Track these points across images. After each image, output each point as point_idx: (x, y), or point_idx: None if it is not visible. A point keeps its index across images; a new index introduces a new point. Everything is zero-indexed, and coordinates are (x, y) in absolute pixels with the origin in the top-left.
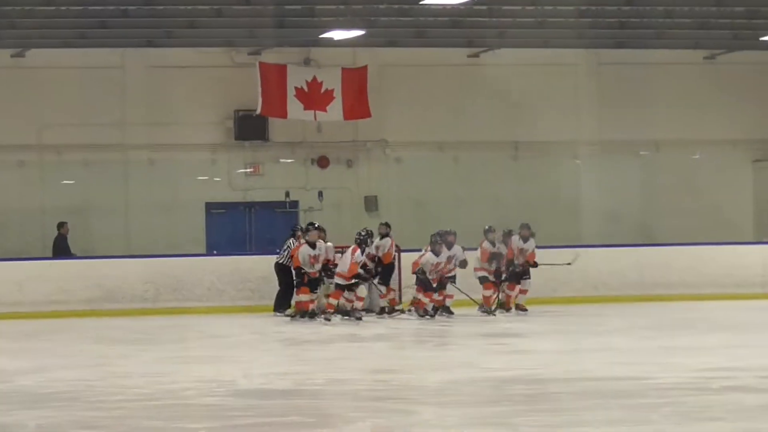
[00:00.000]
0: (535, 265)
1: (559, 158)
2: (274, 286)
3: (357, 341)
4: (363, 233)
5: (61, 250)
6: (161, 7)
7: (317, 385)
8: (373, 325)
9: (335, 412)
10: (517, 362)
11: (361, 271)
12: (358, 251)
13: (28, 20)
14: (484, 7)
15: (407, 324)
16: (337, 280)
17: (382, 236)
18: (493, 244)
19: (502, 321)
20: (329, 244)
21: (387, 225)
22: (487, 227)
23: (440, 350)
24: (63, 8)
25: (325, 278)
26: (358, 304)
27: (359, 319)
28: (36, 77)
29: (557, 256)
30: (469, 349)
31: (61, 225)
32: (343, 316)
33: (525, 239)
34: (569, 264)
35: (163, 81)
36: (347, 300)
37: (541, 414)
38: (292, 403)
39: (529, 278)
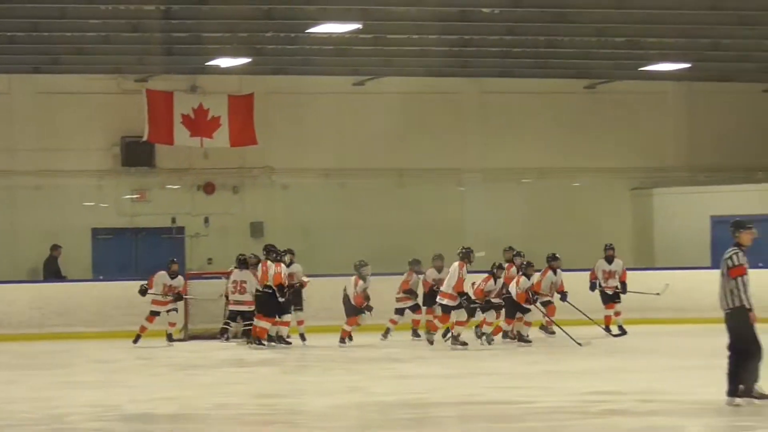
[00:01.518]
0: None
1: (443, 185)
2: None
3: (243, 366)
4: (466, 248)
5: (51, 272)
6: (47, 34)
7: (203, 410)
8: (257, 351)
9: None
10: (403, 387)
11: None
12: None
13: None
14: (369, 36)
15: (293, 349)
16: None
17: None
18: (363, 279)
19: (387, 346)
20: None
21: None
22: (358, 262)
23: (327, 375)
24: None
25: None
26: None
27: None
28: None
29: None
30: (356, 374)
31: (54, 248)
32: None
33: (554, 271)
34: (658, 294)
35: (51, 107)
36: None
37: None
38: (179, 427)
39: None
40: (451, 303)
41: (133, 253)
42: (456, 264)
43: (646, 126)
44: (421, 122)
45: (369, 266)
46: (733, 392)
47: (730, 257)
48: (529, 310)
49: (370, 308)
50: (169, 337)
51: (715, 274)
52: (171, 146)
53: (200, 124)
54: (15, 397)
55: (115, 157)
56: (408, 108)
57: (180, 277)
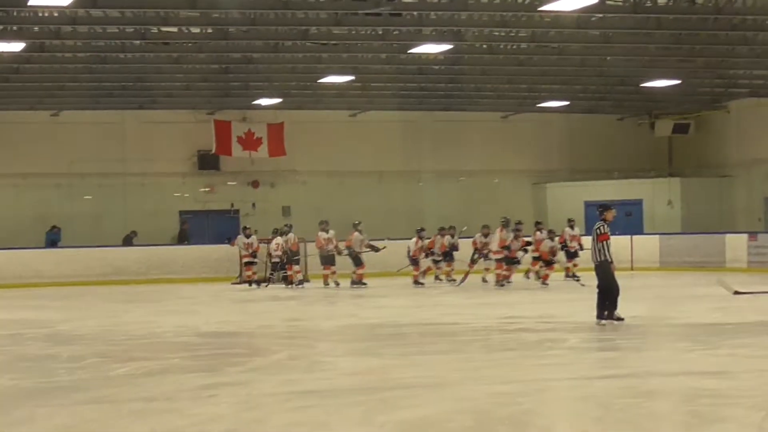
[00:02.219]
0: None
1: (408, 182)
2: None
3: (278, 300)
4: (505, 218)
5: (183, 239)
6: (148, 83)
7: (251, 329)
8: (287, 290)
9: (264, 347)
10: (383, 313)
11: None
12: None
13: (61, 90)
14: (359, 84)
15: (308, 289)
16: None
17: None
18: (360, 232)
19: (373, 287)
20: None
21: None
22: (355, 222)
23: (331, 306)
24: (84, 83)
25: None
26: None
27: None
28: (66, 129)
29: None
30: (350, 306)
31: (183, 222)
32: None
33: (572, 227)
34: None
35: (150, 131)
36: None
37: (397, 347)
38: (236, 341)
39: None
40: (499, 256)
41: (206, 227)
42: (497, 230)
43: (541, 142)
44: (393, 140)
45: (362, 223)
46: (600, 316)
47: (599, 228)
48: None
49: (376, 249)
50: (249, 281)
51: (588, 239)
52: (230, 156)
53: (249, 142)
54: (128, 321)
55: (193, 164)
56: (384, 131)
57: (253, 237)
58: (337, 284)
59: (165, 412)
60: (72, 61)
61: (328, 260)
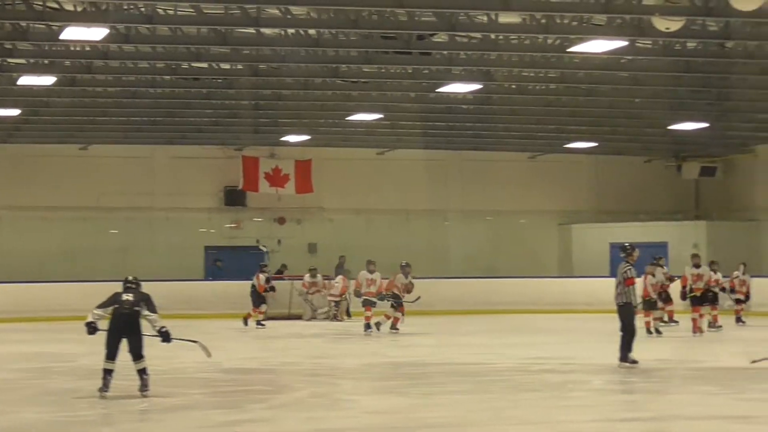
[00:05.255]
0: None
1: (434, 221)
2: (247, 302)
3: (301, 337)
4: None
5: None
6: (178, 119)
7: (274, 365)
8: (311, 327)
9: (286, 383)
10: (408, 352)
11: None
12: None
13: (90, 124)
14: (387, 122)
15: (335, 325)
16: None
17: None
18: (405, 276)
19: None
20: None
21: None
22: (403, 263)
23: (355, 344)
24: (114, 117)
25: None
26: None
27: None
28: (94, 162)
29: None
30: (374, 344)
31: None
32: None
33: (697, 266)
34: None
35: (179, 166)
36: None
37: (421, 386)
38: (258, 377)
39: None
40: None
41: (231, 262)
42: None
43: (568, 183)
44: (420, 179)
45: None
46: (623, 359)
47: (626, 271)
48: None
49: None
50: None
51: (611, 281)
52: (257, 193)
53: (276, 178)
54: (150, 355)
55: (219, 199)
56: (412, 169)
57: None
58: (378, 327)
59: None
60: (102, 95)
61: (369, 302)
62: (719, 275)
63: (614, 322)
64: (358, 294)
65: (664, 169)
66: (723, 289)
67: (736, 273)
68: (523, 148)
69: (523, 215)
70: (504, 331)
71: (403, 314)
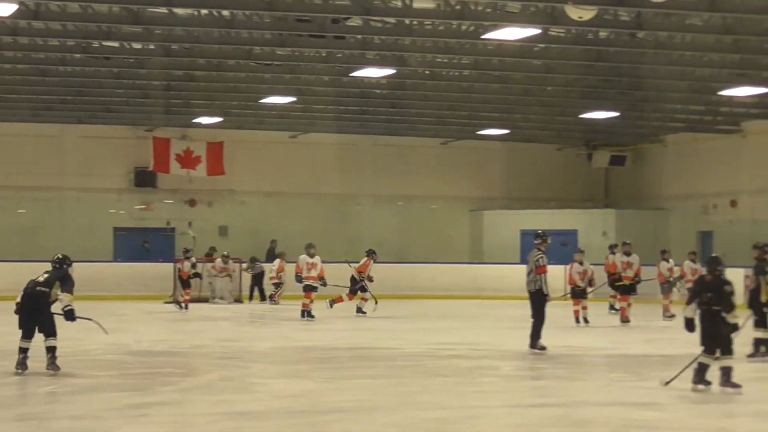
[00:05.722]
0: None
1: (347, 205)
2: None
3: (211, 320)
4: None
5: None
6: (88, 98)
7: (184, 348)
8: (220, 309)
9: (196, 366)
10: (318, 336)
11: None
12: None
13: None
14: (300, 105)
15: (245, 308)
16: None
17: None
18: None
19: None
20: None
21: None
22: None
23: (264, 328)
24: (23, 95)
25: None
26: None
27: None
28: (2, 141)
29: None
30: (284, 328)
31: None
32: None
33: (627, 254)
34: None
35: (89, 146)
36: None
37: (330, 370)
38: (168, 360)
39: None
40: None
41: (140, 246)
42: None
43: (480, 169)
44: (332, 163)
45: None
46: (533, 345)
47: (538, 259)
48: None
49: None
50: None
51: (522, 267)
52: (167, 174)
53: (188, 160)
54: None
55: (130, 180)
56: (324, 153)
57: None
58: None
59: (92, 431)
60: (11, 72)
61: (310, 288)
62: (671, 263)
63: (525, 309)
64: (299, 279)
65: (574, 157)
66: (676, 279)
67: (687, 262)
68: (436, 134)
69: (434, 201)
70: (414, 316)
71: (351, 300)
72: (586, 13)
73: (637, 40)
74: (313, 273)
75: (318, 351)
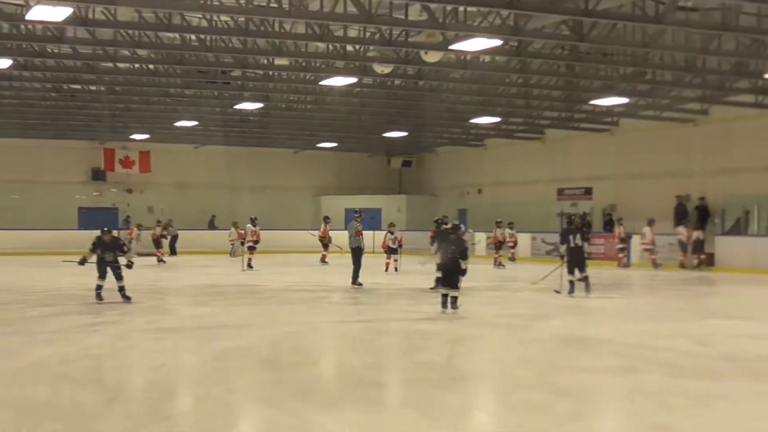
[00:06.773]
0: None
1: (232, 193)
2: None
3: (146, 268)
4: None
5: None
6: (60, 121)
7: (127, 286)
8: (150, 260)
9: (133, 298)
10: (211, 279)
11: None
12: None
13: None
14: (201, 127)
15: (170, 261)
16: None
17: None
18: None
19: (209, 261)
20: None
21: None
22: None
23: (177, 273)
24: (14, 120)
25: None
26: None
27: None
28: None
29: None
30: (190, 273)
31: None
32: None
33: (511, 227)
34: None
35: (61, 154)
36: None
37: (221, 300)
38: (114, 295)
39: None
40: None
41: (96, 220)
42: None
43: (319, 169)
44: (222, 165)
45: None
46: (354, 282)
47: (357, 226)
48: None
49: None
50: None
51: (345, 232)
52: (113, 172)
53: (126, 163)
54: (38, 279)
55: (88, 176)
56: (217, 159)
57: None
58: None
59: (63, 340)
60: (8, 105)
61: (252, 248)
62: (621, 229)
63: (348, 259)
64: (243, 242)
65: (379, 161)
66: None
67: (646, 228)
68: (290, 146)
69: (289, 190)
70: (276, 264)
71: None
72: (386, 69)
73: (419, 86)
74: (255, 237)
75: (213, 288)
